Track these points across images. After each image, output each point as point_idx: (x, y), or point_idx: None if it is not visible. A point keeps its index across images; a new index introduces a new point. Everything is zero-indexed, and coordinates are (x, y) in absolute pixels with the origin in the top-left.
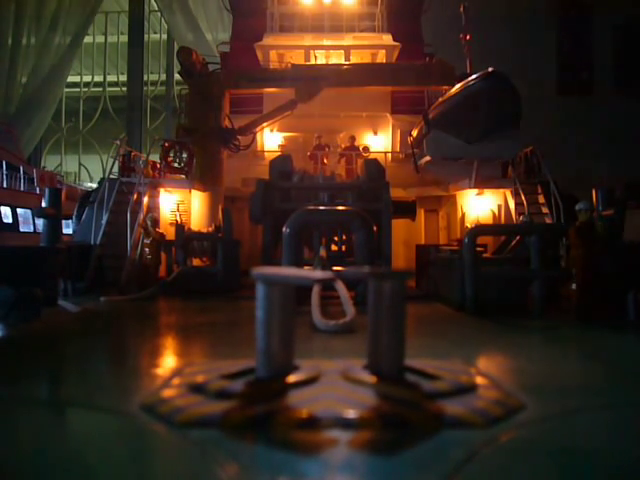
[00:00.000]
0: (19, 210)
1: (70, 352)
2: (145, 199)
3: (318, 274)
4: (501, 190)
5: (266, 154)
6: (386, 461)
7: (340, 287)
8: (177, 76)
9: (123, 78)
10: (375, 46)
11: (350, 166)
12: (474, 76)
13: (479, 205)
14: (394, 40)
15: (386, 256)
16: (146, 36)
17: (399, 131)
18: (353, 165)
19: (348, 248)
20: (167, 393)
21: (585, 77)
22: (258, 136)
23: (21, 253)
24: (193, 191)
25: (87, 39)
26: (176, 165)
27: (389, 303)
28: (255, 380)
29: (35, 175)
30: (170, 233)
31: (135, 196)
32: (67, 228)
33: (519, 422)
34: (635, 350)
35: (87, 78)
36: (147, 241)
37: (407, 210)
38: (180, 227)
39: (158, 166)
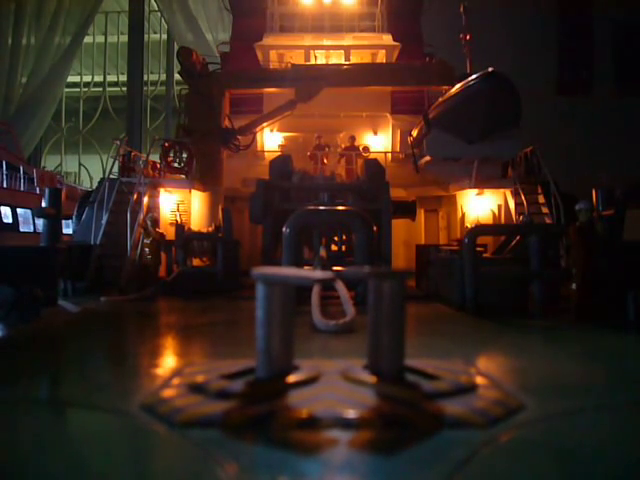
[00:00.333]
0: (19, 210)
1: (70, 352)
2: (145, 199)
3: (318, 274)
4: (501, 190)
5: (266, 154)
6: (386, 461)
7: (340, 287)
8: (177, 76)
9: (123, 78)
10: (375, 46)
11: (350, 166)
12: (474, 76)
13: (479, 205)
14: (394, 40)
15: (386, 256)
16: (146, 36)
17: (399, 131)
18: (353, 165)
19: (348, 248)
20: (167, 393)
21: (585, 76)
22: (258, 136)
23: (21, 253)
24: (193, 191)
25: (87, 39)
26: (176, 165)
27: (389, 303)
28: (255, 380)
29: (35, 175)
30: (170, 233)
31: (135, 196)
32: (67, 228)
33: (519, 422)
34: (635, 350)
35: (87, 78)
36: (147, 241)
37: (407, 210)
38: (180, 227)
39: (158, 166)
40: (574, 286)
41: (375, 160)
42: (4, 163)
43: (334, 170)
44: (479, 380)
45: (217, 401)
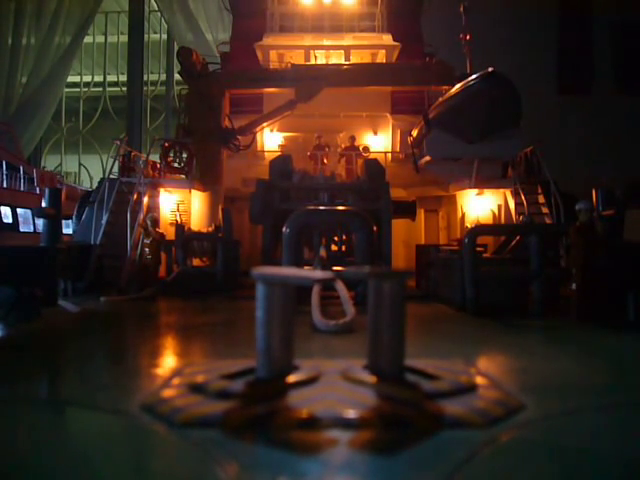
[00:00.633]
0: (19, 210)
1: (70, 352)
2: (145, 199)
3: (318, 274)
4: (501, 190)
5: (266, 154)
6: (386, 461)
7: (340, 287)
8: (177, 76)
9: (123, 78)
10: (375, 46)
11: (350, 166)
12: (474, 76)
13: (479, 205)
14: (394, 40)
15: (386, 256)
16: (146, 36)
17: (399, 131)
18: (353, 165)
19: (348, 248)
20: (167, 393)
21: (585, 76)
22: (258, 136)
23: (21, 253)
24: (193, 191)
25: (87, 39)
26: (176, 165)
27: (389, 303)
28: (255, 380)
29: (35, 175)
30: (170, 233)
31: (135, 196)
32: (67, 228)
33: (519, 422)
34: (635, 350)
35: (87, 78)
36: (147, 241)
37: (407, 210)
38: (180, 227)
39: (158, 166)
40: (574, 286)
41: (375, 160)
42: (4, 163)
43: (334, 170)
44: (479, 380)
45: (217, 401)
